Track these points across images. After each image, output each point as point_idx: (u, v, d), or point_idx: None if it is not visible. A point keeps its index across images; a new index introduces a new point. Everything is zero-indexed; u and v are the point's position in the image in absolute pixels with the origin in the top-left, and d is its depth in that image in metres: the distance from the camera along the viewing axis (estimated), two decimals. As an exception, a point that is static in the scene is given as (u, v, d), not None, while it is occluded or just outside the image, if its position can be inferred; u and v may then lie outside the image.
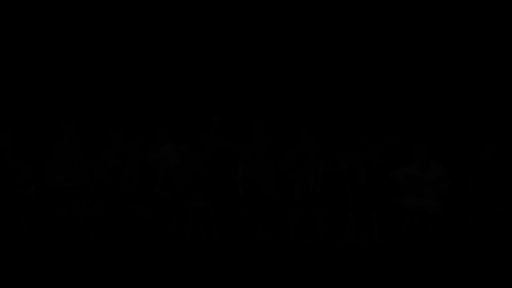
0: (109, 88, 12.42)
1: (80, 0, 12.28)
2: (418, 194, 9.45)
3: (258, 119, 10.55)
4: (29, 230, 9.32)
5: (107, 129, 10.72)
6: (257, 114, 10.75)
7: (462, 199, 9.58)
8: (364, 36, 12.46)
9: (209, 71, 12.66)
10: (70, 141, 10.08)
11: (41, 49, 12.18)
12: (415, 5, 12.06)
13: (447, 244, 9.06)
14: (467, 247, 8.87)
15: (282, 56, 12.66)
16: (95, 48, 12.39)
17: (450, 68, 12.34)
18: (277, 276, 7.87)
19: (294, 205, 9.64)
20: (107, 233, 9.33)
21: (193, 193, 9.50)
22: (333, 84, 12.54)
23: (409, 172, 9.62)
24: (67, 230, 9.51)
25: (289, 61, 12.65)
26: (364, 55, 12.51)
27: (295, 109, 12.41)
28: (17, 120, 11.55)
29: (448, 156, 10.15)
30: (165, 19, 12.53)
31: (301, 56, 12.62)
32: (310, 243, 9.39)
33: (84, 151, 10.31)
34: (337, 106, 12.50)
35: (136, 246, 8.55)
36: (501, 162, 9.61)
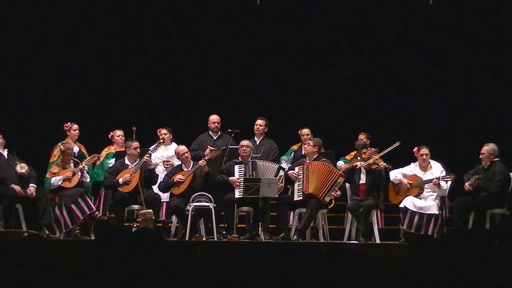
0: (109, 88, 12.43)
1: (81, 1, 12.30)
2: (418, 194, 9.43)
3: (258, 119, 10.54)
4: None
5: (107, 129, 10.74)
6: (257, 113, 10.73)
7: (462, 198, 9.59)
8: (363, 35, 12.47)
9: (208, 71, 12.68)
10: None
11: (41, 49, 12.20)
12: (416, 6, 12.07)
13: (447, 244, 9.03)
14: (467, 247, 8.84)
15: (282, 56, 12.67)
16: (96, 48, 12.40)
17: (450, 68, 12.35)
18: (277, 276, 7.86)
19: (293, 205, 9.62)
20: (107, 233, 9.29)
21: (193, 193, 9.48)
22: (332, 84, 12.55)
23: (408, 172, 9.60)
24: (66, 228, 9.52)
25: (288, 61, 12.66)
26: (363, 55, 12.52)
27: (295, 109, 12.43)
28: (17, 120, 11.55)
29: (448, 156, 10.14)
30: (165, 18, 12.53)
31: (301, 56, 12.63)
32: (310, 243, 9.39)
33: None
34: (337, 106, 12.51)
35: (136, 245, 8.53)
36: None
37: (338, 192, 9.48)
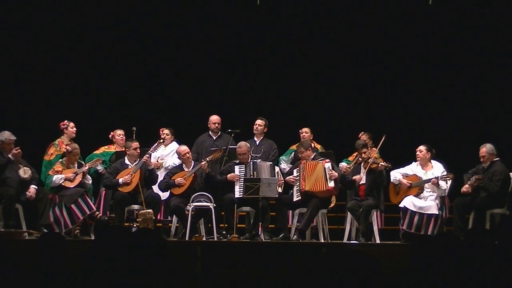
0: (110, 88, 12.44)
1: (81, 2, 12.31)
2: (418, 194, 9.43)
3: (258, 119, 10.54)
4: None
5: (107, 129, 10.74)
6: (257, 113, 10.74)
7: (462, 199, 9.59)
8: (363, 35, 12.48)
9: (209, 71, 12.68)
10: None
11: (42, 49, 12.20)
12: (415, 6, 12.07)
13: (447, 244, 9.03)
14: (467, 247, 8.84)
15: (282, 56, 12.68)
16: (96, 48, 12.41)
17: (450, 68, 12.35)
18: (277, 276, 7.86)
19: (293, 205, 9.61)
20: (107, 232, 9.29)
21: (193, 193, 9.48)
22: (333, 84, 12.56)
23: (409, 172, 9.61)
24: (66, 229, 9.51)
25: (289, 61, 12.67)
26: (364, 55, 12.53)
27: (295, 109, 12.43)
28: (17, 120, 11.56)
29: (448, 156, 10.14)
30: (165, 18, 12.54)
31: (301, 56, 12.64)
32: (310, 243, 9.39)
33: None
34: (337, 106, 12.52)
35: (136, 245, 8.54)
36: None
37: (332, 173, 9.36)
